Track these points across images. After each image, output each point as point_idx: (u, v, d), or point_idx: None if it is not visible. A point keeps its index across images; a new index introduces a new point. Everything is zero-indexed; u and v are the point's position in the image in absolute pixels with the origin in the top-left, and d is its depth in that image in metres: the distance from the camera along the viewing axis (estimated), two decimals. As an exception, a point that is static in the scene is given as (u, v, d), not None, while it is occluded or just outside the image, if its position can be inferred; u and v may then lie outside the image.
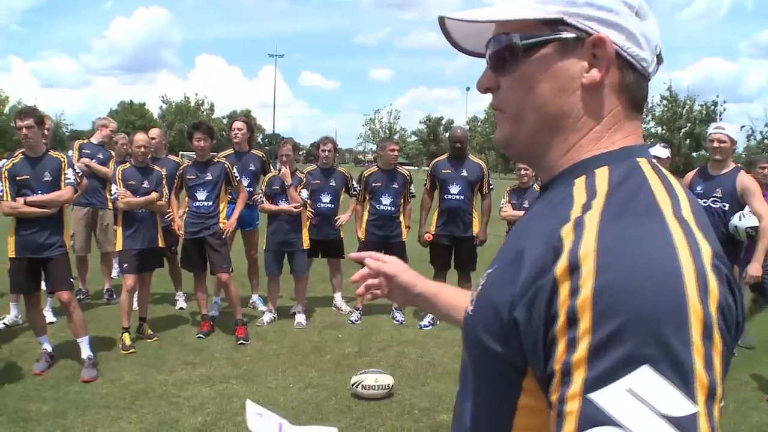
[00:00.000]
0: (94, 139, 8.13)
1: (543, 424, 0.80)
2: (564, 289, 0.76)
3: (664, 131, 62.55)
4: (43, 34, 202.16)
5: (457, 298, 1.47)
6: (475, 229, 7.24)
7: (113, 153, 8.14)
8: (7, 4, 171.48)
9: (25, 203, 5.49)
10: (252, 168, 7.68)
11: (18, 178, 5.54)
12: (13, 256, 5.61)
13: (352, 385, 5.11)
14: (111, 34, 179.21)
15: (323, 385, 5.39)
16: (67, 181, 5.66)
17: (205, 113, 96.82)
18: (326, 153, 7.86)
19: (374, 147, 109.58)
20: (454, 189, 7.18)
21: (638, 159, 0.92)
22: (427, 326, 7.22)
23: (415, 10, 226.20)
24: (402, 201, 7.52)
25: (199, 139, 6.76)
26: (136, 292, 6.72)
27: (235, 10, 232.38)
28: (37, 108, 5.87)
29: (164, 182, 6.68)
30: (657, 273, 0.73)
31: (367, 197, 7.57)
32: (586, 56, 0.93)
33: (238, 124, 7.96)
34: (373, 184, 7.48)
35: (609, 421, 0.69)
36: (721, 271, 0.76)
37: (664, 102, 64.68)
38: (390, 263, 1.53)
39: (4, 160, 5.70)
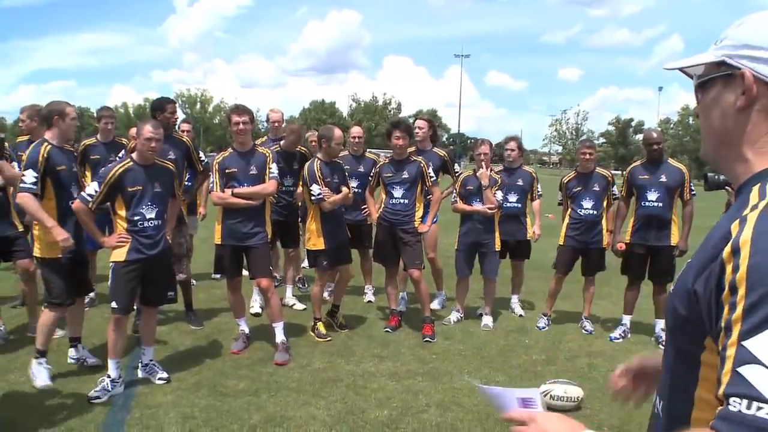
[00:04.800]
0: (271, 135, 8.24)
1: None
2: (728, 268, 1.03)
3: None
4: (244, 39, 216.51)
5: None
6: (674, 238, 6.72)
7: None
8: (215, 13, 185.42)
9: (233, 194, 5.81)
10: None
11: (227, 170, 5.89)
12: (219, 242, 5.99)
13: (540, 393, 4.92)
14: (305, 38, 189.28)
15: (510, 390, 5.23)
16: (271, 175, 5.92)
17: (392, 112, 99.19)
18: (509, 152, 7.74)
19: (560, 149, 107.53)
20: (652, 195, 6.71)
21: None
22: (618, 339, 6.84)
23: (605, 6, 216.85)
24: (605, 204, 7.19)
25: (399, 137, 6.77)
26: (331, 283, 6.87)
27: (422, 11, 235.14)
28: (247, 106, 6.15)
29: (371, 176, 6.74)
30: None
31: (569, 202, 7.30)
32: (741, 88, 1.18)
33: (419, 123, 7.91)
34: (573, 189, 7.19)
35: (755, 360, 0.95)
36: None
37: None
38: (630, 361, 1.68)
39: (214, 154, 6.07)
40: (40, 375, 4.97)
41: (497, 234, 7.15)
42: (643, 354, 1.68)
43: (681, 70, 1.36)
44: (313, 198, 6.40)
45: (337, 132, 6.64)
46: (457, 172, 7.04)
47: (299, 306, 7.69)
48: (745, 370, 0.96)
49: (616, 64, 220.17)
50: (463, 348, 6.36)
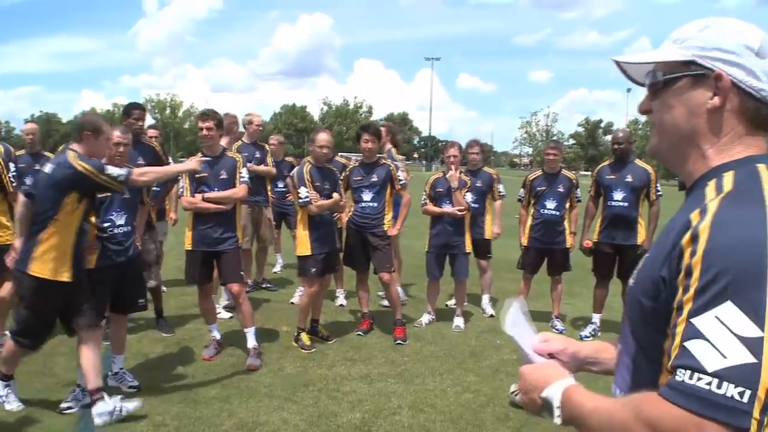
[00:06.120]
0: (246, 139, 8.23)
1: None
2: (687, 253, 1.12)
3: None
4: (215, 43, 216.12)
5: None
6: (641, 237, 6.83)
7: (268, 148, 8.36)
8: (185, 17, 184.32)
9: (203, 200, 5.78)
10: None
11: (197, 175, 5.83)
12: (190, 248, 5.94)
13: (512, 393, 4.98)
14: (276, 42, 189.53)
15: (481, 390, 5.29)
16: (241, 179, 5.90)
17: (363, 116, 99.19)
18: (473, 155, 7.89)
19: (530, 150, 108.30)
20: (618, 195, 6.83)
21: (758, 165, 1.22)
22: (589, 337, 6.93)
23: (575, 10, 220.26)
24: (568, 206, 7.28)
25: (367, 140, 6.76)
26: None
27: (393, 14, 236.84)
28: (216, 111, 6.11)
29: (340, 182, 6.64)
30: (747, 241, 1.06)
31: (532, 201, 7.38)
32: (711, 88, 1.25)
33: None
34: (537, 188, 7.28)
35: (701, 336, 1.04)
36: None
37: None
38: (552, 340, 1.69)
39: (184, 160, 6.02)
40: (9, 398, 4.73)
41: (467, 236, 7.20)
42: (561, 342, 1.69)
43: (620, 67, 1.44)
44: (300, 201, 6.30)
45: (319, 135, 6.50)
46: (401, 180, 6.97)
47: (224, 315, 7.36)
48: (691, 345, 1.05)
49: (586, 67, 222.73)
50: (435, 349, 6.40)
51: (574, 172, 7.62)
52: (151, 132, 7.72)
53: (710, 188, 1.21)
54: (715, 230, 1.10)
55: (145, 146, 6.51)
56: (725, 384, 1.01)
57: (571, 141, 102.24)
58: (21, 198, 4.76)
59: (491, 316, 7.79)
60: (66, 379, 5.22)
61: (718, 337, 1.03)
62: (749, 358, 1.01)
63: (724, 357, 1.02)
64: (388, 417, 4.73)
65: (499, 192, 7.89)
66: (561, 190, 7.19)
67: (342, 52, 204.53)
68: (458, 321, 7.25)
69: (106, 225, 4.96)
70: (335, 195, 6.41)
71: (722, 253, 1.07)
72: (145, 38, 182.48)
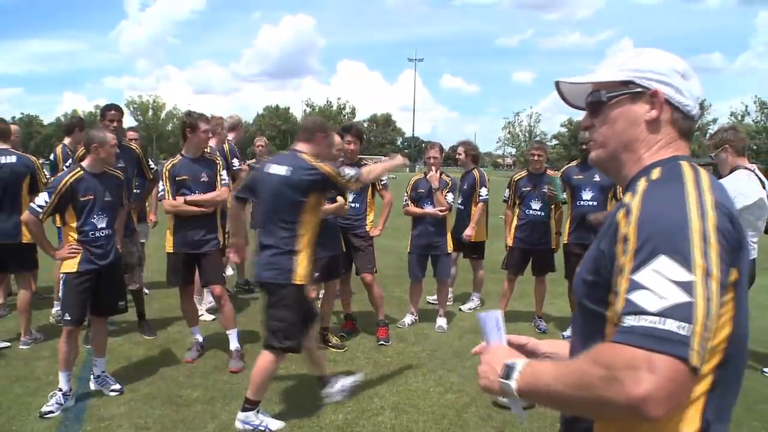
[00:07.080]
0: (234, 140, 8.26)
1: None
2: (622, 225, 1.33)
3: None
4: (197, 44, 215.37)
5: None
6: (611, 237, 6.86)
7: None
8: (167, 19, 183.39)
9: (185, 202, 5.76)
10: None
11: (177, 178, 5.83)
12: (171, 251, 5.92)
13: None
14: (259, 43, 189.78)
15: (464, 391, 5.31)
16: (222, 182, 5.91)
17: (346, 117, 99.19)
18: (458, 156, 8.01)
19: (513, 151, 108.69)
20: (587, 195, 6.83)
21: (681, 162, 1.46)
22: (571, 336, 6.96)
23: (558, 11, 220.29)
24: (553, 206, 7.31)
25: (349, 141, 6.71)
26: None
27: (376, 15, 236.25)
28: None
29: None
30: (672, 207, 1.29)
31: (517, 202, 7.41)
32: (648, 102, 1.51)
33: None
34: (523, 189, 7.31)
35: (641, 287, 1.22)
36: (723, 210, 1.30)
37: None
38: (513, 339, 1.83)
39: (163, 162, 6.02)
40: (267, 421, 4.62)
41: (449, 236, 7.22)
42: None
43: (560, 91, 1.70)
44: None
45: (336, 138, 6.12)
46: (383, 181, 6.96)
47: (207, 317, 7.41)
48: (634, 295, 1.23)
49: (569, 67, 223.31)
50: (418, 350, 6.42)
51: (558, 172, 7.62)
52: (131, 134, 7.70)
53: (641, 181, 1.43)
54: (644, 202, 1.32)
55: (126, 148, 6.48)
56: (667, 321, 1.17)
57: (554, 141, 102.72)
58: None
59: (469, 309, 8.03)
60: (47, 383, 5.18)
61: (657, 285, 1.21)
62: (685, 298, 1.19)
63: (664, 298, 1.19)
64: (371, 418, 4.75)
65: (480, 195, 7.81)
66: (546, 190, 7.21)
67: (325, 53, 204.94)
68: (441, 321, 7.27)
69: (87, 228, 4.93)
70: (339, 199, 6.16)
71: (652, 218, 1.28)
72: (127, 40, 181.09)
